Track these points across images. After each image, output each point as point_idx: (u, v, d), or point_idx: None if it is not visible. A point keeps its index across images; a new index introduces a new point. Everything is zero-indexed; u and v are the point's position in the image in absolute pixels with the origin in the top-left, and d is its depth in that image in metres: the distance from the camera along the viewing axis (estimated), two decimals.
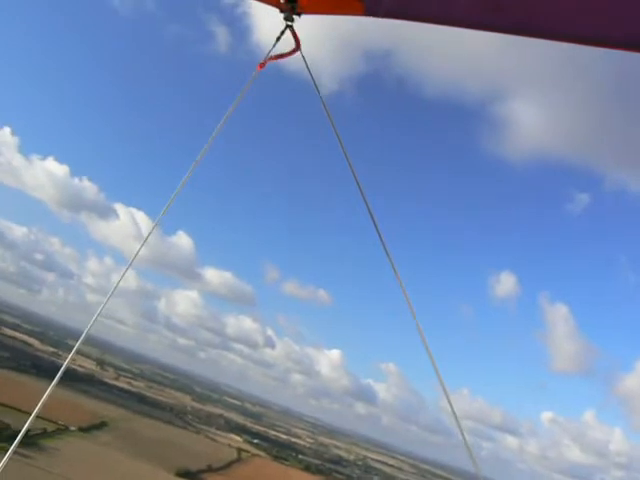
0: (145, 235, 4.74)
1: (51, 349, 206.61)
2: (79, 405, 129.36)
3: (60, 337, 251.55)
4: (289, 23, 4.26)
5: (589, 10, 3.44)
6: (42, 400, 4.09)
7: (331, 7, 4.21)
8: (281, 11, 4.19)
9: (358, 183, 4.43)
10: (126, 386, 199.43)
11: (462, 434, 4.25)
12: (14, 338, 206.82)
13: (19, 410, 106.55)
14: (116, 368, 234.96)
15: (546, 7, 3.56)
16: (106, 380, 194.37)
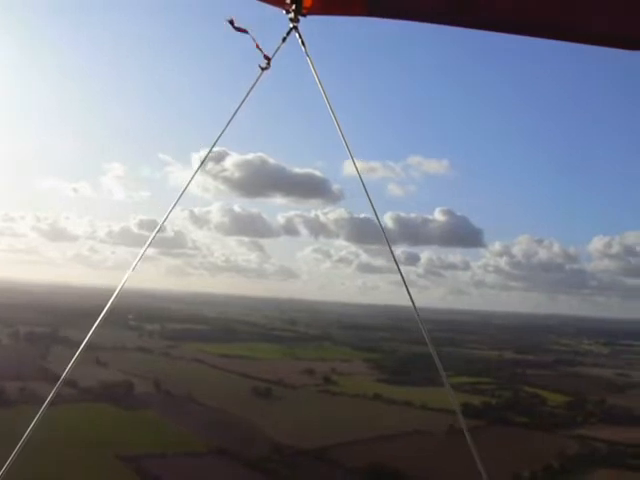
0: None
1: None
2: None
3: None
4: (294, 24, 4.32)
5: (576, 6, 3.53)
6: None
7: (335, 7, 4.30)
8: (286, 12, 4.28)
9: None
10: None
11: None
12: None
13: None
14: None
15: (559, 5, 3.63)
16: None
